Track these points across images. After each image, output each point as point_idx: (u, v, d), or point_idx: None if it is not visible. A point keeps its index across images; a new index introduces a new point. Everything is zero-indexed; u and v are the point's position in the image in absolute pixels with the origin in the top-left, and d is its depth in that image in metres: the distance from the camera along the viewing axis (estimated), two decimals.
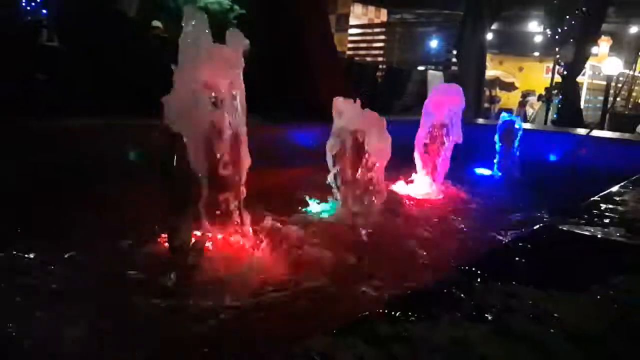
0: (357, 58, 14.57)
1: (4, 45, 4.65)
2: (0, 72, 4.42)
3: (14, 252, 2.33)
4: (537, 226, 2.28)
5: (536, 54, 20.41)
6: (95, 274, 2.17)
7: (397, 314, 1.22)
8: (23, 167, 3.28)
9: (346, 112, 3.26)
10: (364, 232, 3.00)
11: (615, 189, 3.01)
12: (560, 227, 2.10)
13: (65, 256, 2.32)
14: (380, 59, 14.78)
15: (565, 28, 12.52)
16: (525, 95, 17.79)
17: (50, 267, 2.22)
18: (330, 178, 3.31)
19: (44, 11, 8.07)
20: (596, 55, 15.82)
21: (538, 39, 18.33)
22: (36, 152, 3.49)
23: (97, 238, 2.53)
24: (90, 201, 2.96)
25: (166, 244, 2.30)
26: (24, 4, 8.06)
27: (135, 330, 1.78)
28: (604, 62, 14.66)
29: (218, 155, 2.28)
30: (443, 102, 4.24)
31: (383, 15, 17.25)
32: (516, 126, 5.34)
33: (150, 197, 2.43)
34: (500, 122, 5.42)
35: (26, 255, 2.31)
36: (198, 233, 2.32)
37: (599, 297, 1.45)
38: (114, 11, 6.33)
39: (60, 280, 2.11)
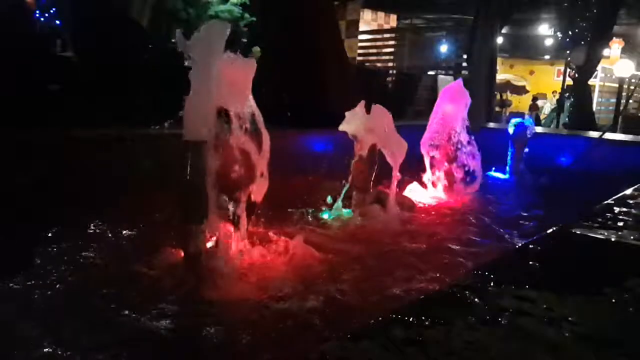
0: (367, 64, 14.56)
1: (19, 55, 4.72)
2: (14, 81, 4.48)
3: None
4: (551, 230, 2.27)
5: (547, 57, 20.29)
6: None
7: (411, 319, 1.23)
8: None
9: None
10: (376, 236, 3.01)
11: (629, 191, 2.98)
12: (573, 231, 2.09)
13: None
14: (390, 64, 14.74)
15: (576, 30, 12.43)
16: (535, 98, 17.70)
17: None
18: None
19: (58, 21, 8.16)
20: (608, 57, 15.69)
21: (549, 42, 18.21)
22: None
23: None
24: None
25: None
26: (37, 14, 8.16)
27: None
28: (616, 65, 14.54)
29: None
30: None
31: (393, 21, 17.23)
32: (528, 130, 5.34)
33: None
34: (511, 126, 5.42)
35: None
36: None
37: (613, 300, 1.44)
38: (128, 21, 6.40)
39: None
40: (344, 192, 3.49)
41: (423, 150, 4.35)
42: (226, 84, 2.23)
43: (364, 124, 3.44)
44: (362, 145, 3.45)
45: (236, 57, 2.28)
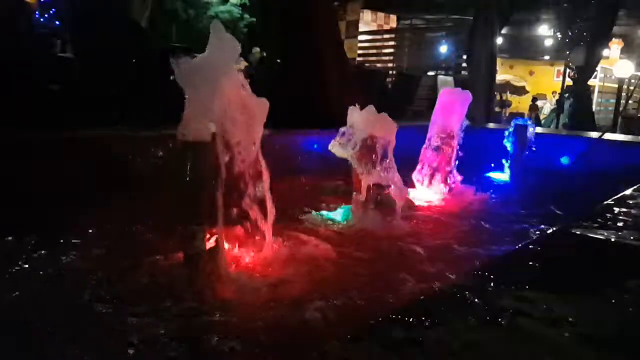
0: (367, 64, 14.58)
1: (19, 56, 4.72)
2: (14, 82, 4.48)
3: None
4: (550, 230, 2.28)
5: (547, 57, 20.32)
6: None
7: (412, 319, 1.23)
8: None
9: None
10: (377, 237, 3.01)
11: (628, 192, 2.98)
12: (573, 231, 2.09)
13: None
14: (390, 64, 14.77)
15: (576, 31, 12.45)
16: (535, 99, 17.72)
17: None
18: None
19: (58, 22, 8.17)
20: (607, 58, 15.71)
21: (548, 42, 18.24)
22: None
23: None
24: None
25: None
26: (37, 15, 8.16)
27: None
28: (616, 65, 14.55)
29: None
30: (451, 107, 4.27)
31: (392, 21, 17.25)
32: (529, 130, 5.35)
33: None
34: (511, 126, 5.43)
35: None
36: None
37: (613, 301, 1.44)
38: (128, 21, 6.40)
39: None
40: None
41: (415, 179, 4.33)
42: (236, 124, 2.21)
43: (360, 150, 3.19)
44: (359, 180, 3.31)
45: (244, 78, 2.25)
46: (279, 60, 6.77)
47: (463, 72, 12.65)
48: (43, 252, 2.48)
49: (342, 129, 3.26)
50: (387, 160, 3.30)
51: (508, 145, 5.39)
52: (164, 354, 1.70)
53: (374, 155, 3.25)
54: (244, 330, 1.85)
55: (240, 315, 1.96)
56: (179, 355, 1.71)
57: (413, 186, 4.26)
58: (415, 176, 4.31)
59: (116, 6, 6.17)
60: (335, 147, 3.25)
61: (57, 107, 4.72)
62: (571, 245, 1.98)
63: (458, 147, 4.29)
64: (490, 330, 1.22)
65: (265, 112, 2.35)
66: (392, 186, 3.29)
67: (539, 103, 17.58)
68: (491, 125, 9.53)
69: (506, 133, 5.42)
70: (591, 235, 2.04)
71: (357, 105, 3.28)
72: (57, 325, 1.85)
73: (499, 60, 13.52)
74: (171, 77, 2.08)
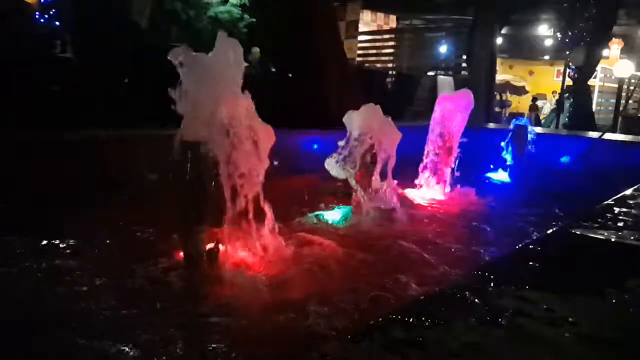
0: (366, 64, 14.57)
1: (19, 56, 4.72)
2: (15, 82, 4.49)
3: None
4: (550, 230, 2.28)
5: (546, 57, 20.28)
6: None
7: (412, 319, 1.23)
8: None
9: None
10: (374, 237, 3.01)
11: (628, 192, 2.98)
12: (573, 231, 2.09)
13: None
14: (389, 65, 14.76)
15: (576, 31, 12.43)
16: (535, 99, 17.70)
17: None
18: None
19: (58, 23, 8.16)
20: (607, 58, 15.69)
21: (548, 42, 18.20)
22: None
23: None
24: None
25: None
26: (37, 16, 8.15)
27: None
28: (616, 65, 14.53)
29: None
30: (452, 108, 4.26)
31: (392, 22, 17.23)
32: (528, 131, 5.36)
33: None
34: (511, 127, 5.44)
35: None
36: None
37: (614, 301, 1.44)
38: (128, 22, 6.40)
39: None
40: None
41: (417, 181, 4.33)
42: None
43: (360, 169, 3.09)
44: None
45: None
46: (278, 61, 6.76)
47: (463, 72, 12.65)
48: (43, 252, 2.48)
49: (340, 143, 3.11)
50: (387, 180, 3.21)
51: (508, 146, 5.39)
52: (165, 354, 1.70)
53: (374, 176, 3.16)
54: (244, 329, 1.85)
55: (240, 314, 1.96)
56: (180, 355, 1.71)
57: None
58: (417, 179, 4.31)
59: (116, 6, 6.17)
60: (332, 166, 3.04)
61: (57, 107, 4.72)
62: (571, 245, 1.98)
63: (458, 152, 4.29)
64: (490, 330, 1.22)
65: (271, 141, 2.31)
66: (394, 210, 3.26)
67: (539, 103, 17.56)
68: (491, 125, 9.53)
69: (503, 143, 5.43)
70: (591, 235, 2.04)
71: (355, 109, 3.27)
72: (57, 324, 1.85)
73: (498, 60, 13.53)
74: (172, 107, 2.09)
